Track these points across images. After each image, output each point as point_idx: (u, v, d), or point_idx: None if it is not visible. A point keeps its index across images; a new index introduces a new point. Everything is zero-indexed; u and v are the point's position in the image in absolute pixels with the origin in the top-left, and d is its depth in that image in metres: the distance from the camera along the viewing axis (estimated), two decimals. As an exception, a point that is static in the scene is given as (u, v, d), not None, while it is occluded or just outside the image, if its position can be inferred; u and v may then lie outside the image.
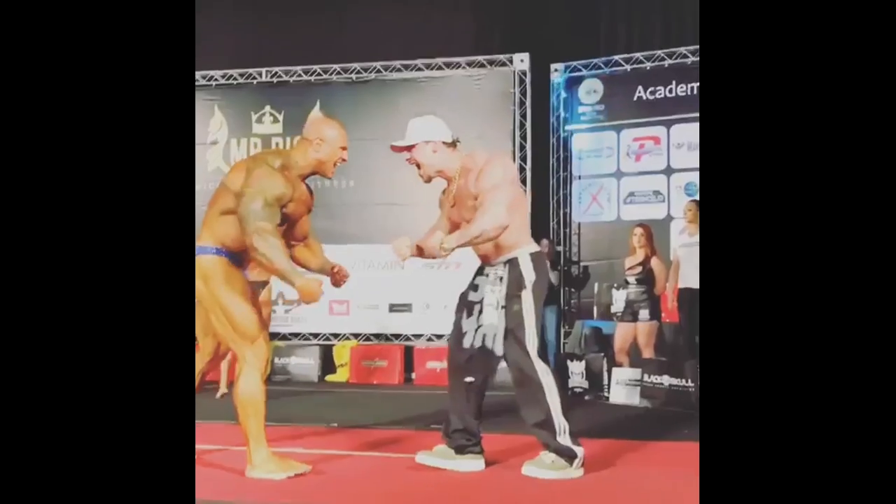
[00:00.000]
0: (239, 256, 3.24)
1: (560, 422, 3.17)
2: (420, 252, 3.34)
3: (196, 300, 3.31)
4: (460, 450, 3.34)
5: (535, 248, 3.32)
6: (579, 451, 3.19)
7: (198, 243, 3.23)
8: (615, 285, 6.79)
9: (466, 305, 3.32)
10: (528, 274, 3.24)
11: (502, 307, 3.20)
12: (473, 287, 3.33)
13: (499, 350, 3.19)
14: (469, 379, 3.31)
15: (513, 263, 3.25)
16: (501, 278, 3.23)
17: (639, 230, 6.64)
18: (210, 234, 3.22)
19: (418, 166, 3.35)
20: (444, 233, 3.31)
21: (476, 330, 3.24)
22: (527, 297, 3.21)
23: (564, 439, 3.17)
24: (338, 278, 3.42)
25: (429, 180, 3.39)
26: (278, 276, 3.13)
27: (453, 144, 3.35)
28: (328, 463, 3.44)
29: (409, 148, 3.34)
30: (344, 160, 3.31)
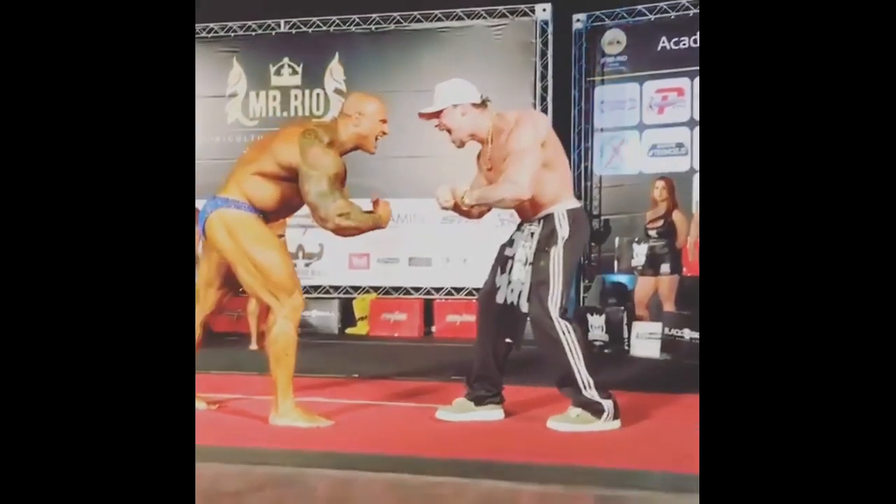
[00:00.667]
0: (266, 215, 3.28)
1: (584, 377, 3.15)
2: (455, 206, 3.31)
3: (204, 251, 3.34)
4: (480, 401, 3.38)
5: (574, 203, 3.29)
6: (607, 404, 3.16)
7: (222, 195, 3.25)
8: (636, 239, 6.77)
9: (501, 261, 3.33)
10: (562, 230, 3.21)
11: (530, 263, 3.19)
12: (510, 242, 3.33)
13: (524, 306, 3.18)
14: (507, 340, 3.33)
15: (547, 220, 3.23)
16: (533, 234, 3.23)
17: (661, 183, 6.59)
18: (237, 188, 3.25)
19: (449, 131, 3.32)
20: (479, 183, 3.34)
21: (507, 285, 3.25)
22: (555, 254, 3.18)
23: (590, 393, 3.15)
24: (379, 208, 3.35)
25: (461, 145, 3.35)
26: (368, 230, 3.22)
27: (483, 104, 3.30)
28: (350, 412, 3.50)
29: (438, 114, 3.30)
30: (385, 133, 3.34)
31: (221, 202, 3.23)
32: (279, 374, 3.18)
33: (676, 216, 6.46)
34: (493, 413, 3.38)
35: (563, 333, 3.15)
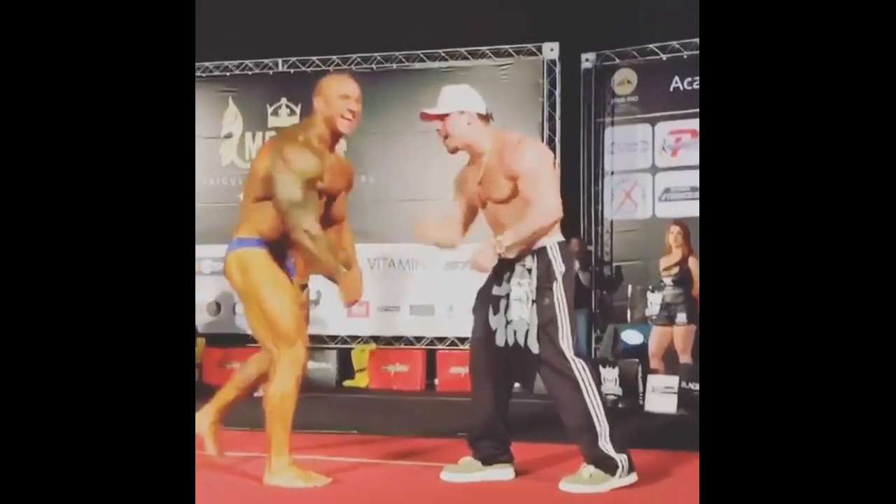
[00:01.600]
0: (279, 245, 3.26)
1: (602, 423, 3.11)
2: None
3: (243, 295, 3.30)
4: (488, 460, 3.32)
5: (561, 237, 3.29)
6: (622, 458, 3.11)
7: (237, 235, 3.27)
8: (650, 287, 6.76)
9: (491, 301, 3.26)
10: (558, 265, 3.20)
11: (532, 301, 3.15)
12: (497, 280, 3.26)
13: (534, 347, 3.13)
14: (517, 385, 3.29)
15: (540, 254, 3.20)
16: (530, 270, 3.18)
17: (675, 228, 6.61)
18: (248, 224, 3.26)
19: (446, 136, 3.32)
20: (461, 217, 3.39)
21: (506, 326, 3.19)
22: (557, 290, 3.16)
23: (606, 446, 3.10)
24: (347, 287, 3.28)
25: (454, 151, 3.35)
26: (321, 272, 3.17)
27: (487, 118, 3.34)
28: (348, 472, 3.45)
29: (442, 117, 3.30)
30: (352, 111, 3.24)
31: (236, 243, 3.26)
32: (274, 431, 3.14)
33: (692, 263, 6.46)
34: (502, 473, 3.33)
35: (580, 372, 3.11)
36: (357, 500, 2.95)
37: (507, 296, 3.20)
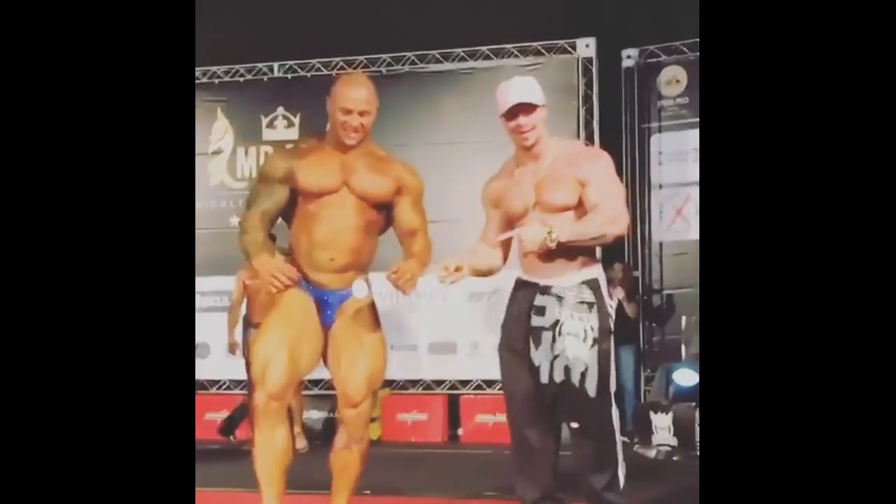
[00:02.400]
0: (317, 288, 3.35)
1: (622, 479, 3.19)
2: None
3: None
4: None
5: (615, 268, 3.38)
6: None
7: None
8: (707, 318, 6.69)
9: (531, 333, 3.24)
10: (609, 302, 3.24)
11: (594, 341, 3.16)
12: (537, 310, 3.24)
13: (592, 390, 3.14)
14: (574, 424, 3.26)
15: (593, 287, 3.22)
16: (591, 305, 3.20)
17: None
18: None
19: (527, 132, 3.27)
20: (497, 232, 3.34)
21: (553, 360, 3.18)
22: (611, 332, 3.22)
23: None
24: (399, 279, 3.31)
25: (530, 148, 3.31)
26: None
27: None
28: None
29: (531, 109, 3.26)
30: (353, 127, 3.29)
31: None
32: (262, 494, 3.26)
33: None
34: None
35: (616, 423, 3.21)
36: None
37: (553, 327, 3.19)
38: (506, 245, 3.39)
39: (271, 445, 3.22)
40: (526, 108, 3.25)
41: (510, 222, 3.35)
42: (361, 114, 3.28)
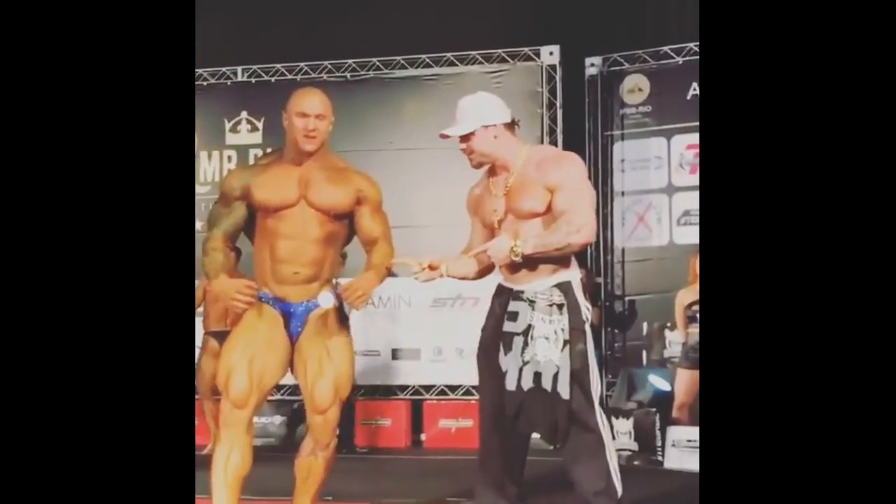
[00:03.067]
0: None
1: (620, 486, 3.17)
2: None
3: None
4: None
5: (580, 273, 3.35)
6: None
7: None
8: (668, 324, 6.76)
9: (502, 338, 3.25)
10: (585, 304, 3.26)
11: (565, 342, 3.17)
12: (510, 316, 3.26)
13: (565, 393, 3.14)
14: (536, 434, 3.27)
15: (565, 289, 3.23)
16: (561, 306, 3.21)
17: (698, 257, 6.63)
18: None
19: (470, 153, 3.35)
20: (480, 239, 3.37)
21: (522, 367, 3.19)
22: (589, 334, 3.22)
23: None
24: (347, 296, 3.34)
25: (479, 166, 3.40)
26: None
27: (513, 126, 3.38)
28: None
29: (467, 136, 3.33)
30: (309, 130, 3.31)
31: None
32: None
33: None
34: None
35: (604, 427, 3.19)
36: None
37: (526, 332, 3.20)
38: (484, 256, 3.37)
39: (231, 453, 3.20)
40: (466, 136, 3.32)
41: (488, 230, 3.39)
42: (318, 117, 3.31)
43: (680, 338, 6.76)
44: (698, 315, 6.47)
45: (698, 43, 8.17)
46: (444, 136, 3.38)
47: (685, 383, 6.53)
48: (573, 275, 3.28)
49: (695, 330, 6.50)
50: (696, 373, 6.42)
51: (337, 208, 3.36)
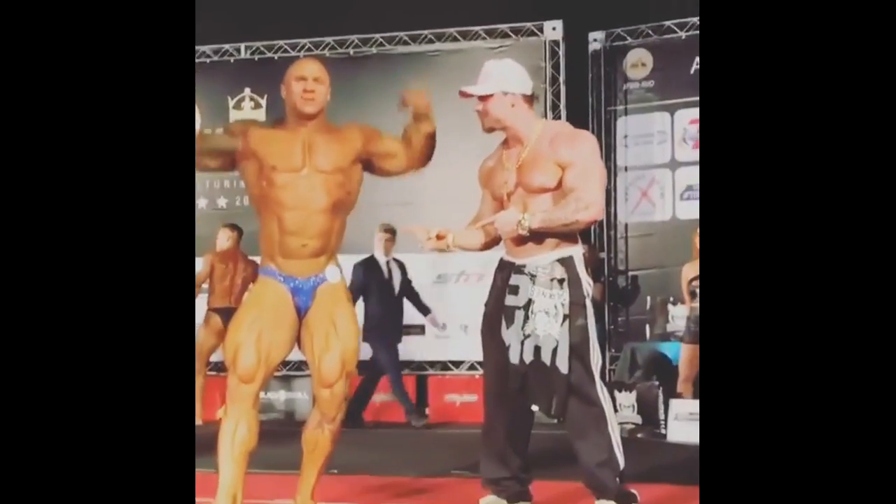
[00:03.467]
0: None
1: (622, 458, 3.21)
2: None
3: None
4: (514, 498, 3.38)
5: (583, 249, 3.37)
6: (636, 494, 3.25)
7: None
8: (671, 299, 6.78)
9: (504, 312, 3.29)
10: (587, 279, 3.28)
11: (565, 317, 3.20)
12: (511, 290, 3.29)
13: (563, 367, 3.18)
14: (534, 408, 3.30)
15: (566, 264, 3.26)
16: (561, 281, 3.23)
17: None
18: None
19: (484, 115, 3.37)
20: (489, 211, 3.40)
21: (523, 341, 3.23)
22: (590, 309, 3.25)
23: (620, 482, 3.22)
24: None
25: (490, 130, 3.42)
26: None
27: (531, 99, 3.41)
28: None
29: (485, 97, 3.35)
30: (308, 91, 3.34)
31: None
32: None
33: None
34: None
35: (606, 401, 3.23)
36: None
37: (527, 307, 3.23)
38: (491, 229, 3.41)
39: (238, 427, 3.24)
40: (484, 96, 3.34)
41: (498, 202, 3.40)
42: (315, 80, 3.35)
43: (684, 312, 6.79)
44: (699, 289, 6.50)
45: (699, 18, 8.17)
46: (463, 94, 3.40)
47: (689, 358, 6.57)
48: (576, 250, 3.30)
49: (698, 304, 6.52)
50: (697, 347, 6.47)
51: (343, 161, 3.38)
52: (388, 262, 7.42)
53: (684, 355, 6.65)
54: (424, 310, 7.69)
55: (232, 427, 3.24)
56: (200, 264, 7.22)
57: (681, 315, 6.72)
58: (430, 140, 3.43)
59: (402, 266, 7.51)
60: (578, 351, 3.20)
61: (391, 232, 7.29)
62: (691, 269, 6.67)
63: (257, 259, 3.56)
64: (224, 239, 7.50)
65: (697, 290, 6.54)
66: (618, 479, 3.21)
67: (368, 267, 7.33)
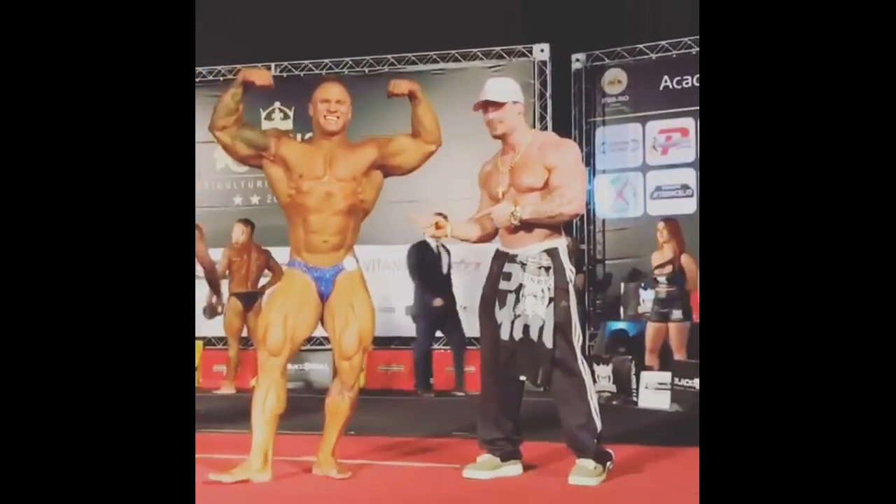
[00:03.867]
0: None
1: (598, 424, 3.24)
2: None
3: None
4: (505, 457, 3.40)
5: (566, 241, 3.39)
6: (611, 453, 3.28)
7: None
8: (642, 284, 6.79)
9: (497, 295, 3.32)
10: (570, 267, 3.31)
11: (550, 300, 3.22)
12: (505, 276, 3.32)
13: (548, 342, 3.21)
14: (522, 378, 3.33)
15: (552, 254, 3.29)
16: (548, 268, 3.26)
17: (661, 225, 6.66)
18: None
19: (498, 122, 3.38)
20: (482, 207, 3.45)
21: (514, 320, 3.25)
22: (572, 293, 3.29)
23: (597, 443, 3.25)
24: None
25: (500, 136, 3.44)
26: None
27: (525, 111, 3.49)
28: (366, 473, 3.49)
29: (499, 106, 3.36)
30: (331, 111, 3.40)
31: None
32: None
33: (686, 260, 6.49)
34: (514, 469, 3.41)
35: (586, 372, 3.25)
36: (375, 498, 3.00)
37: (517, 291, 3.26)
38: (486, 222, 3.45)
39: (268, 394, 3.27)
40: (494, 104, 3.32)
41: (494, 201, 3.42)
42: (338, 101, 3.41)
43: (652, 295, 6.79)
44: (665, 277, 6.51)
45: (670, 41, 8.17)
46: (482, 103, 3.39)
47: (653, 335, 6.60)
48: (560, 242, 3.33)
49: (661, 288, 6.53)
50: (662, 325, 6.48)
51: (358, 171, 3.41)
52: (437, 246, 7.45)
53: (650, 332, 6.66)
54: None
55: (263, 394, 3.27)
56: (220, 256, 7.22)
57: (649, 298, 6.71)
58: (431, 112, 3.49)
59: (448, 251, 7.54)
60: (562, 329, 3.23)
61: (443, 216, 7.28)
62: (656, 258, 6.68)
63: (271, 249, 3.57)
64: (238, 233, 7.51)
65: (661, 276, 6.55)
66: (595, 440, 3.24)
67: (421, 249, 7.38)
